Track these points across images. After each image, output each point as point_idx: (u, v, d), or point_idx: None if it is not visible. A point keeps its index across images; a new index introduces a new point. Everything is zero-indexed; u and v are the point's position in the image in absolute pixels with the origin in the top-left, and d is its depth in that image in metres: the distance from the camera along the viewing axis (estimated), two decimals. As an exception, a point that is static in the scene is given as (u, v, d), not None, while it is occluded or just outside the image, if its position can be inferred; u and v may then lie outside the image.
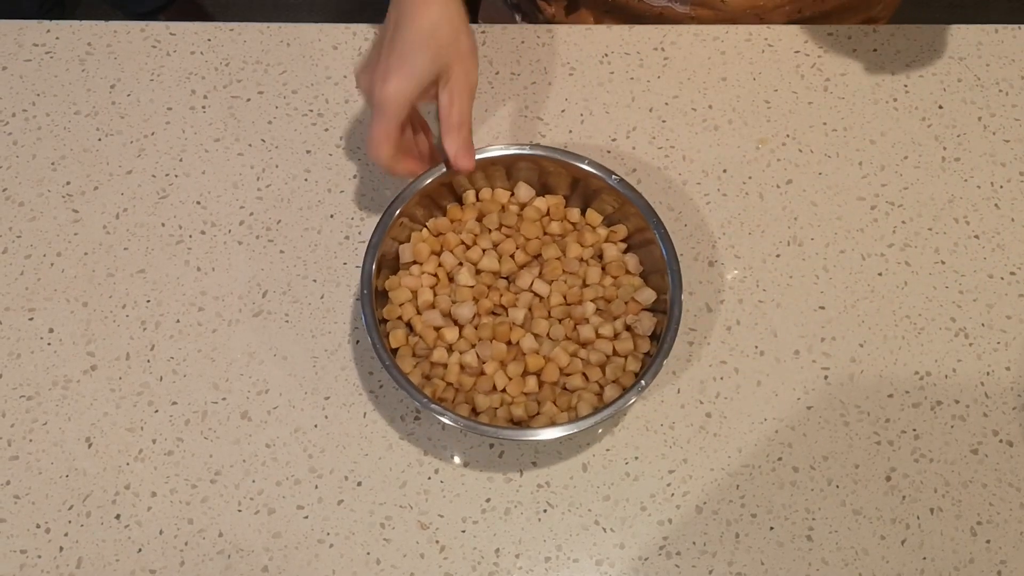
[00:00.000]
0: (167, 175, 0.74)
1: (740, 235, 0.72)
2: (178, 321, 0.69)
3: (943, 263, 0.72)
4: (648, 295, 0.64)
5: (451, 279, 0.66)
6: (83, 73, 0.79)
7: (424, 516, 0.63)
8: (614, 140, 0.76)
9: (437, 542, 0.62)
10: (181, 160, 0.75)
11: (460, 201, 0.69)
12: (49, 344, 0.68)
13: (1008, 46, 0.81)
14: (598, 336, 0.64)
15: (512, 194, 0.69)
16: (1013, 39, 0.82)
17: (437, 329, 0.64)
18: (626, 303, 0.65)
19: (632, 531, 0.63)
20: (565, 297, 0.65)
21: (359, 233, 0.72)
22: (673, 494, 0.64)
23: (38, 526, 0.62)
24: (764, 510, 0.63)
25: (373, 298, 0.62)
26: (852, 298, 0.70)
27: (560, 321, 0.64)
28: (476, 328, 0.64)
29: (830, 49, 0.81)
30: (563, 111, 0.77)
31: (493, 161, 0.66)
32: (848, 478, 0.64)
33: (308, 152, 0.76)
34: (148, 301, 0.69)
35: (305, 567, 0.61)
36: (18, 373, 0.67)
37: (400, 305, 0.65)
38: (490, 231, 0.67)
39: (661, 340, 0.60)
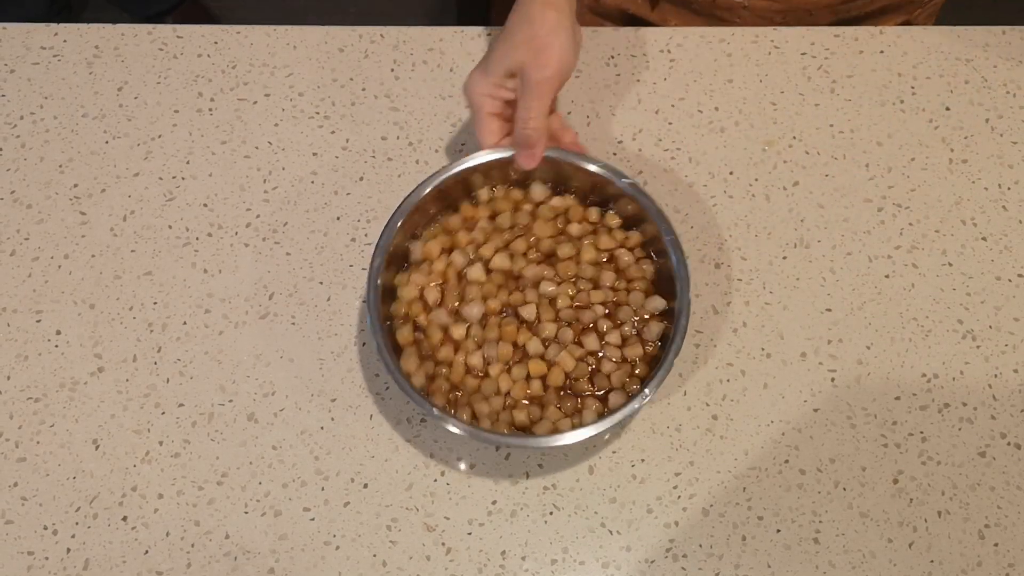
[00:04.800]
0: (174, 177, 0.74)
1: (747, 237, 0.72)
2: (185, 323, 0.69)
3: (950, 265, 0.72)
4: (658, 304, 0.64)
5: (461, 278, 0.66)
6: (90, 76, 0.79)
7: (430, 518, 0.63)
8: (620, 142, 0.76)
9: (443, 544, 0.62)
10: (188, 162, 0.75)
11: (473, 199, 0.69)
12: (56, 346, 0.68)
13: (1016, 47, 0.81)
14: (605, 343, 0.63)
15: (525, 193, 0.69)
16: (1021, 40, 0.81)
17: (444, 329, 0.64)
18: (635, 310, 0.64)
19: (638, 533, 0.62)
20: (573, 300, 0.65)
21: (365, 235, 0.72)
22: (679, 496, 0.64)
23: (45, 528, 0.62)
24: (771, 513, 0.63)
25: (379, 299, 0.62)
26: (859, 300, 0.70)
27: (569, 324, 0.64)
28: (484, 328, 0.64)
29: (837, 51, 0.80)
30: (569, 113, 0.77)
31: (510, 160, 0.66)
32: (855, 481, 0.64)
33: (315, 154, 0.76)
34: (155, 303, 0.70)
35: (311, 569, 0.61)
36: (26, 375, 0.67)
37: (408, 303, 0.65)
38: (503, 230, 0.67)
39: (666, 349, 0.60)
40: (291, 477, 0.64)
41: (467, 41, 0.81)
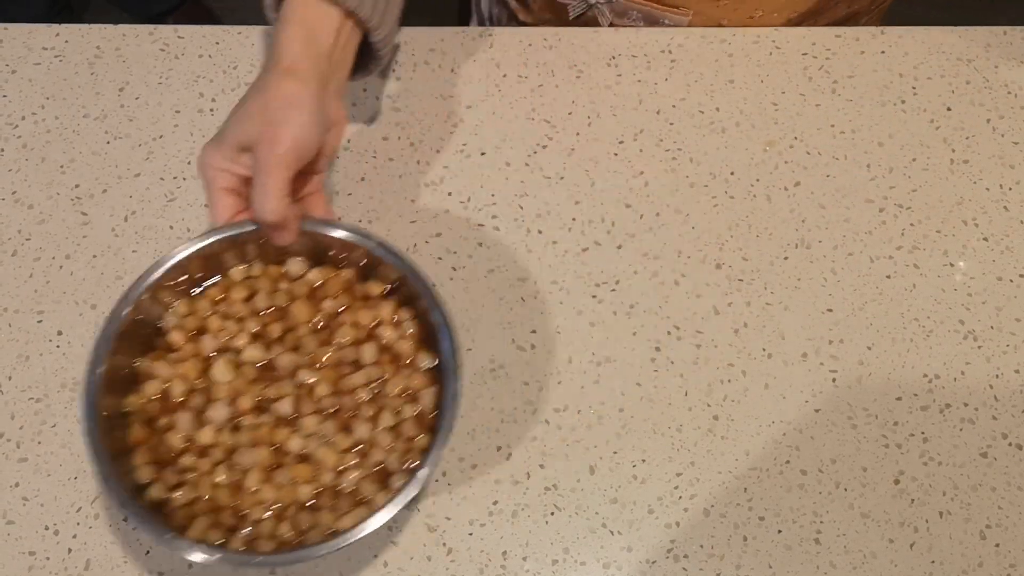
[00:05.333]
0: (175, 178, 0.75)
1: (748, 237, 0.72)
2: (186, 323, 0.69)
3: (952, 265, 0.72)
4: (426, 361, 0.59)
5: (209, 369, 0.58)
6: (92, 76, 0.79)
7: (431, 519, 0.63)
8: (621, 143, 0.76)
9: (444, 544, 0.62)
10: (189, 163, 0.75)
11: (228, 276, 0.61)
12: (58, 347, 0.68)
13: (1017, 48, 0.81)
14: (375, 427, 0.57)
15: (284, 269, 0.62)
16: (1022, 41, 0.81)
17: (188, 435, 0.56)
18: (405, 381, 0.58)
19: (639, 534, 0.62)
20: (335, 386, 0.58)
21: (366, 236, 0.72)
22: (680, 497, 0.64)
23: (47, 528, 0.62)
24: (772, 513, 0.63)
25: (98, 392, 0.54)
26: (860, 301, 0.70)
27: (334, 412, 0.57)
28: (235, 431, 0.56)
29: (838, 51, 0.80)
30: (570, 113, 0.77)
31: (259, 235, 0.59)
32: (856, 481, 0.64)
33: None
34: (156, 303, 0.70)
35: (312, 569, 0.61)
36: (27, 375, 0.67)
37: (148, 400, 0.57)
38: (259, 313, 0.60)
39: (439, 421, 0.54)
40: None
41: (468, 42, 0.81)
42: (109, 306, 0.69)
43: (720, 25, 0.81)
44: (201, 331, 0.59)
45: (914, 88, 0.79)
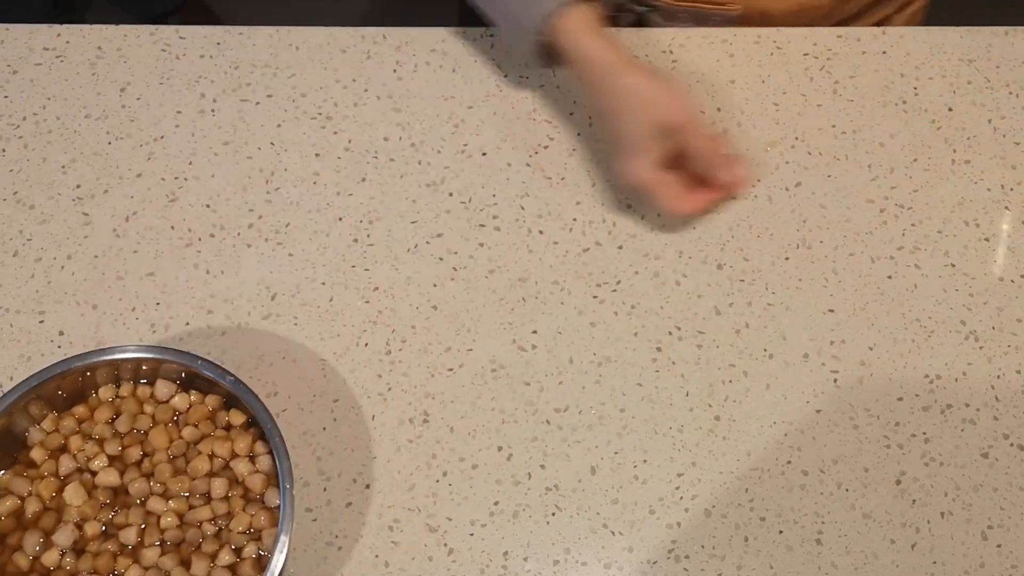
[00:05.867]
0: (176, 178, 0.75)
1: (749, 238, 0.72)
2: (187, 324, 0.69)
3: (953, 266, 0.72)
4: (275, 498, 0.58)
5: (64, 489, 0.57)
6: (93, 77, 0.79)
7: (432, 519, 0.63)
8: (622, 143, 0.76)
9: (445, 545, 0.62)
10: (190, 163, 0.75)
11: (97, 395, 0.61)
12: (59, 347, 0.68)
13: (1018, 48, 0.81)
14: (213, 565, 0.56)
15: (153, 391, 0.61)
16: (1023, 41, 0.81)
17: (34, 558, 0.56)
18: (251, 516, 0.57)
19: (641, 534, 0.62)
20: (181, 518, 0.57)
21: (367, 236, 0.72)
22: (682, 497, 0.64)
23: (48, 528, 0.62)
24: (773, 514, 0.63)
25: None
26: (861, 301, 0.70)
27: (178, 546, 0.57)
28: (80, 555, 0.56)
29: (839, 51, 0.80)
30: (572, 114, 0.77)
31: (144, 359, 0.60)
32: (858, 482, 0.64)
33: (317, 155, 0.76)
34: (158, 304, 0.70)
35: (313, 569, 0.61)
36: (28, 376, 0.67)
37: (2, 517, 0.57)
38: (120, 436, 0.59)
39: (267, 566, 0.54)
40: (294, 478, 0.64)
41: (469, 42, 0.81)
42: (111, 306, 0.70)
43: (767, 14, 0.81)
44: (63, 449, 0.59)
45: (915, 88, 0.79)
